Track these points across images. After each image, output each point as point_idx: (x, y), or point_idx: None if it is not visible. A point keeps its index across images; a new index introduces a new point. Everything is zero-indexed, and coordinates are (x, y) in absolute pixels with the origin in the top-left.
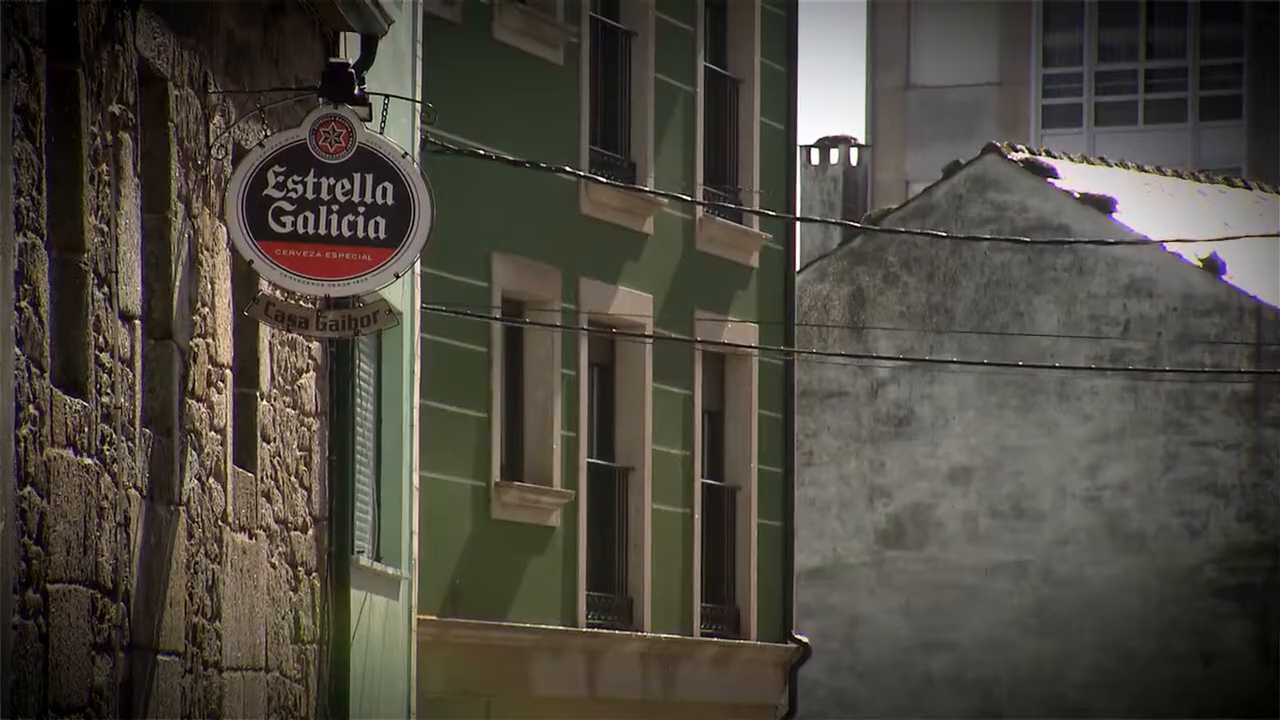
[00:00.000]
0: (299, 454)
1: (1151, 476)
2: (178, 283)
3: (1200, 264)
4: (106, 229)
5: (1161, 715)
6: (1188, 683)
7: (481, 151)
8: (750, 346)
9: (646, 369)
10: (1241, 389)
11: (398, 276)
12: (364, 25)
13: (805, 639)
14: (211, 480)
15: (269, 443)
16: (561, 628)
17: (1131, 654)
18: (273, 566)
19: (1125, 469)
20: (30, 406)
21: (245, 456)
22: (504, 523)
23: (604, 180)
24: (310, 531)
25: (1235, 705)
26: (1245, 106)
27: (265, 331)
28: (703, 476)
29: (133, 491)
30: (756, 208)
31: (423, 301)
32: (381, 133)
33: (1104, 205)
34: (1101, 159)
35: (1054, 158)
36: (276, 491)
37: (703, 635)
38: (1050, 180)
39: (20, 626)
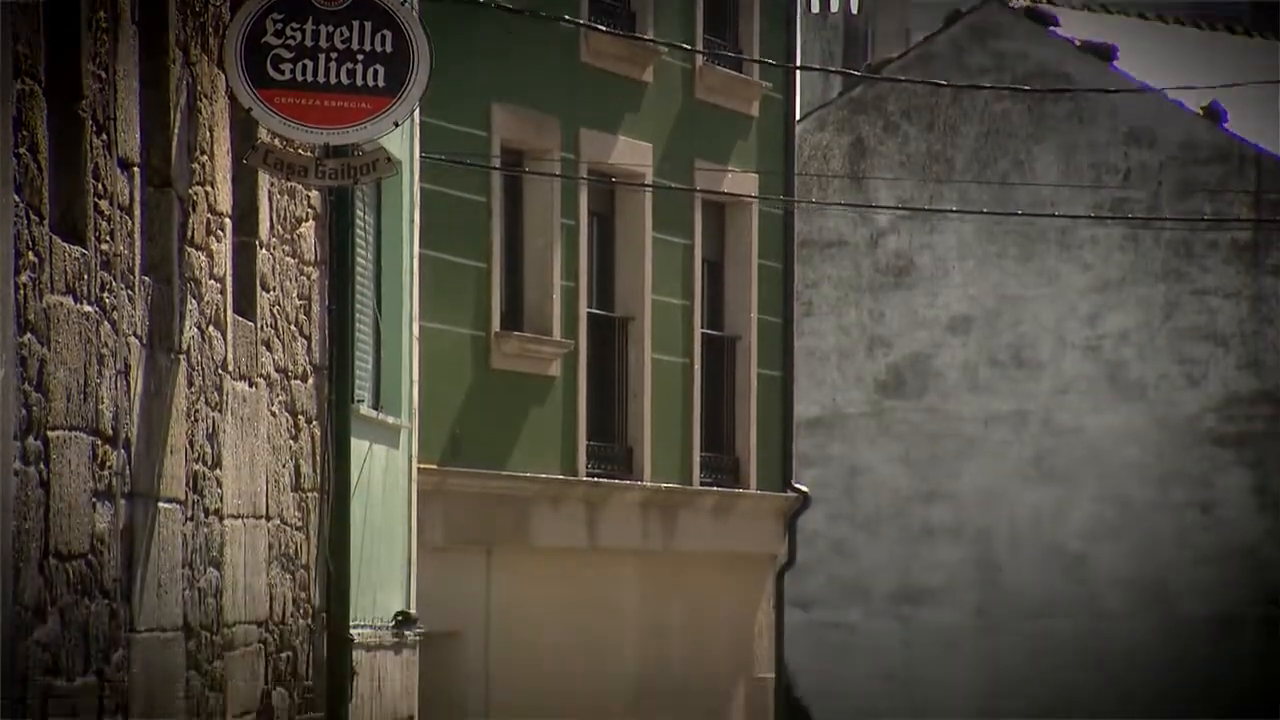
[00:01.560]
0: (299, 303)
1: (1151, 325)
2: (176, 130)
3: (1201, 112)
4: (105, 76)
5: (1160, 563)
6: (1186, 530)
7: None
8: (750, 196)
9: (646, 218)
10: (1241, 237)
11: (397, 124)
12: None
13: (804, 489)
14: (211, 329)
15: (269, 291)
16: (561, 477)
17: (1130, 503)
18: (273, 415)
19: (1125, 318)
20: (29, 253)
21: (245, 305)
22: (504, 372)
23: (604, 29)
24: (310, 380)
25: (1234, 553)
26: None
27: (264, 180)
28: (702, 326)
29: (132, 339)
30: (756, 56)
31: (422, 151)
32: None
33: (1104, 53)
34: (1103, 6)
35: (1054, 5)
36: (276, 340)
37: (702, 485)
38: (1051, 29)
39: (21, 473)
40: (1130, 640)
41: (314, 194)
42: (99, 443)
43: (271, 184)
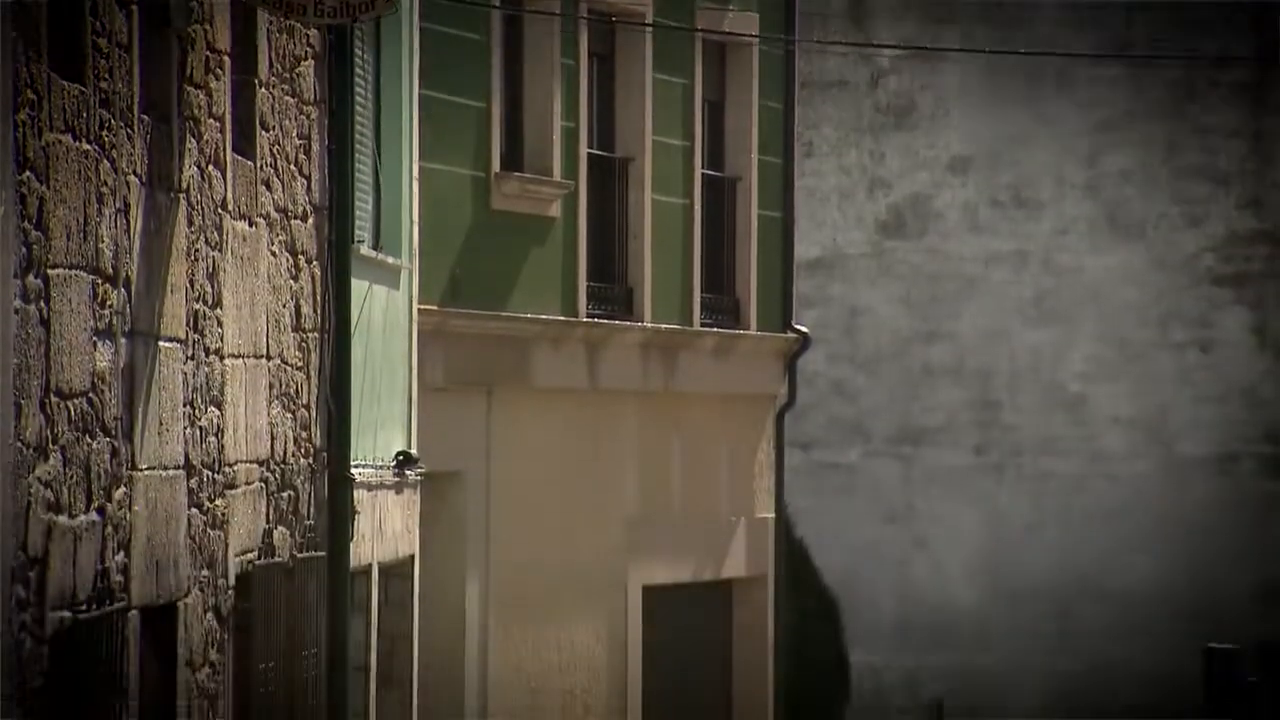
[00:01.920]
0: (298, 143)
1: (1152, 165)
2: None
3: None
4: None
5: (1159, 402)
6: (1186, 370)
7: None
8: (751, 36)
9: (646, 59)
10: (1243, 76)
11: None
12: None
13: (805, 329)
14: (211, 168)
15: (268, 131)
16: (561, 318)
17: (1130, 343)
18: (273, 255)
19: (1125, 158)
20: (28, 91)
21: (244, 144)
22: (504, 213)
23: None
24: (310, 220)
25: (1232, 393)
26: None
27: (263, 18)
28: (703, 167)
29: (132, 178)
30: None
31: None
32: None
33: None
34: None
35: None
36: (276, 180)
37: (702, 326)
38: None
39: (22, 311)
40: (1129, 479)
41: (313, 32)
42: (99, 281)
43: (270, 22)
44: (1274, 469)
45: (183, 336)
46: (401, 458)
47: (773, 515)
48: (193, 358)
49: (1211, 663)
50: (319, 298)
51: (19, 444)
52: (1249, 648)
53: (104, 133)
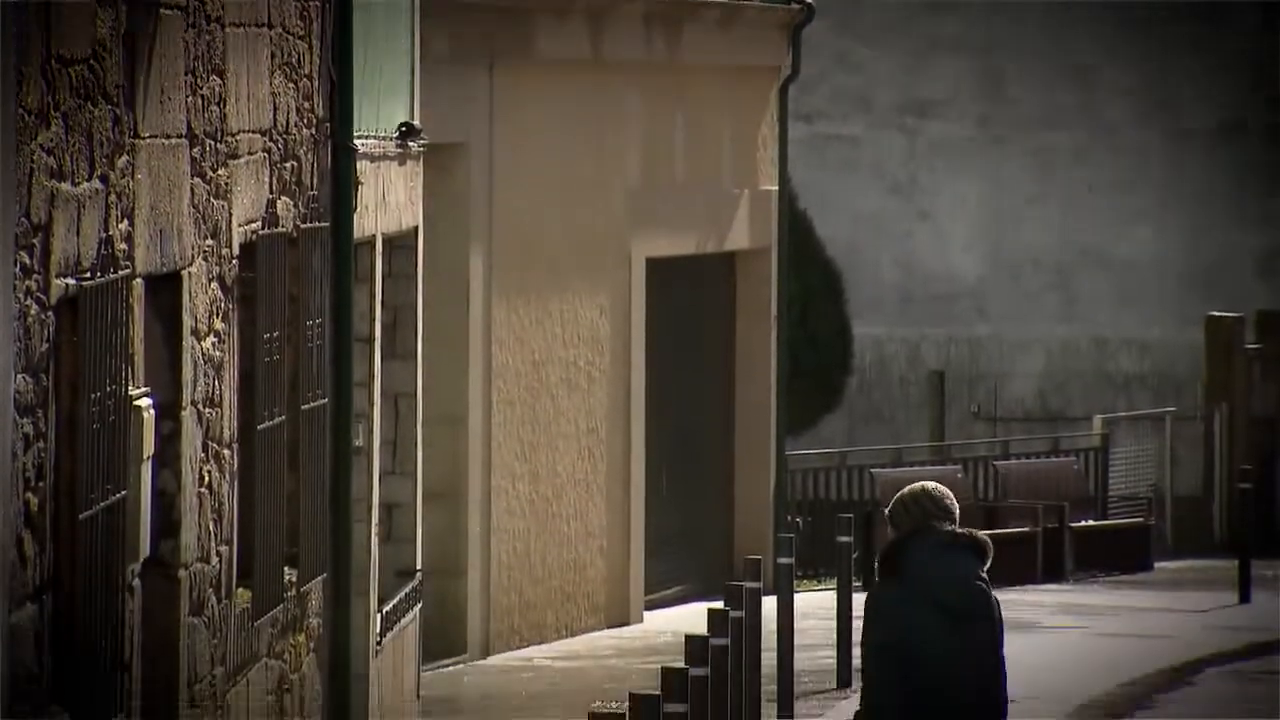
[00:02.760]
0: None
1: None
2: None
3: None
4: None
5: (1165, 71)
6: (1192, 39)
7: None
8: None
9: None
10: None
11: None
12: None
13: None
14: None
15: None
16: None
17: (1134, 11)
18: None
19: None
20: None
21: None
22: None
23: None
24: None
25: (1238, 63)
26: None
27: None
28: None
29: None
30: None
31: None
32: None
33: None
34: None
35: None
36: None
37: None
38: None
39: None
40: (1133, 150)
41: None
42: None
43: None
44: (1276, 138)
45: (183, 3)
46: (404, 129)
47: (776, 188)
48: (193, 25)
49: (1212, 330)
50: None
51: (21, 110)
52: (1250, 315)
53: None
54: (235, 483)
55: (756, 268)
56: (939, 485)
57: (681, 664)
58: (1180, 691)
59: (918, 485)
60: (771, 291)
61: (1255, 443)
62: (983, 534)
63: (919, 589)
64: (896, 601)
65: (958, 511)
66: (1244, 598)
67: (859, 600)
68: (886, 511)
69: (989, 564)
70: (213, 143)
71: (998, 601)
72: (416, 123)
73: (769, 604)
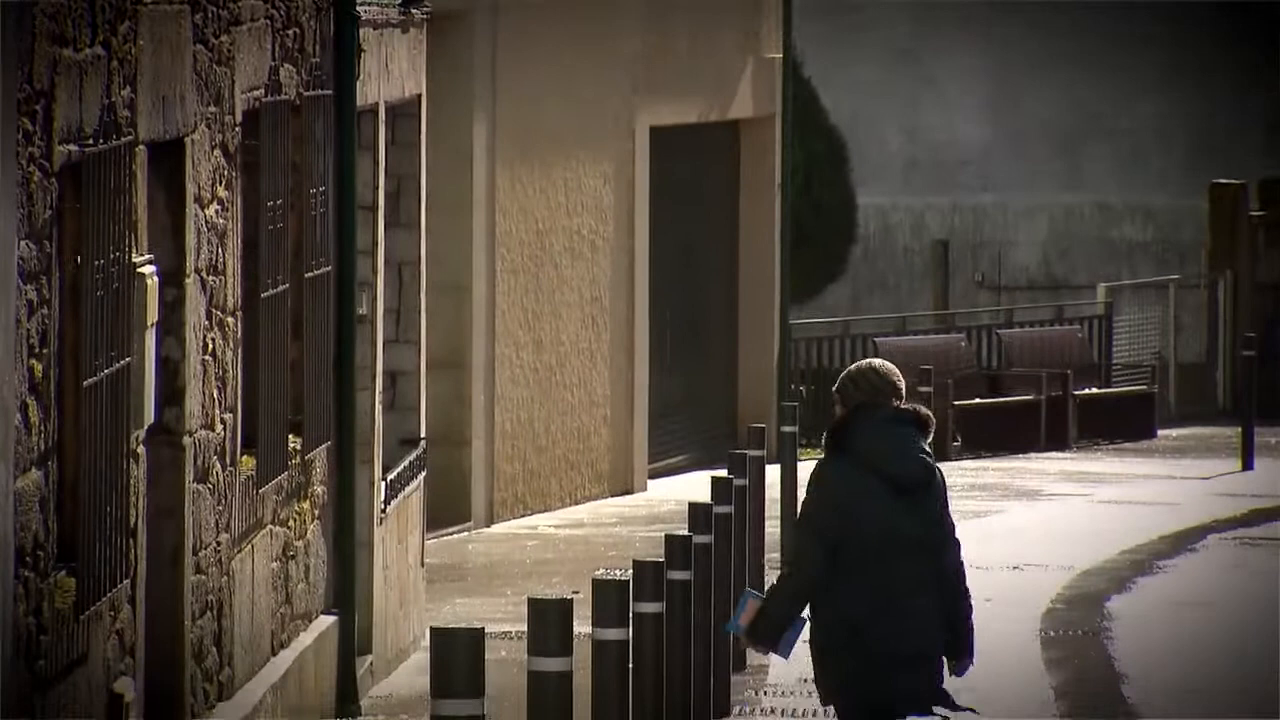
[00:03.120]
0: None
1: None
2: None
3: None
4: None
5: None
6: None
7: None
8: None
9: None
10: None
11: None
12: None
13: None
14: None
15: None
16: None
17: None
18: None
19: None
20: None
21: None
22: None
23: None
24: None
25: None
26: None
27: None
28: None
29: None
30: None
31: None
32: None
33: None
34: None
35: None
36: None
37: None
38: None
39: None
40: (1139, 17)
41: None
42: None
43: None
44: None
45: None
46: None
47: (780, 56)
48: None
49: (1216, 197)
50: None
51: None
52: (1254, 183)
53: None
54: (239, 350)
55: (760, 136)
56: (886, 362)
57: (685, 531)
58: (1183, 558)
59: (865, 362)
60: (775, 160)
61: (1258, 309)
62: (925, 409)
63: (866, 462)
64: (844, 473)
65: (904, 388)
66: (1247, 464)
67: None
68: (834, 389)
69: (930, 438)
70: (215, 8)
71: (943, 476)
72: None
73: (772, 472)
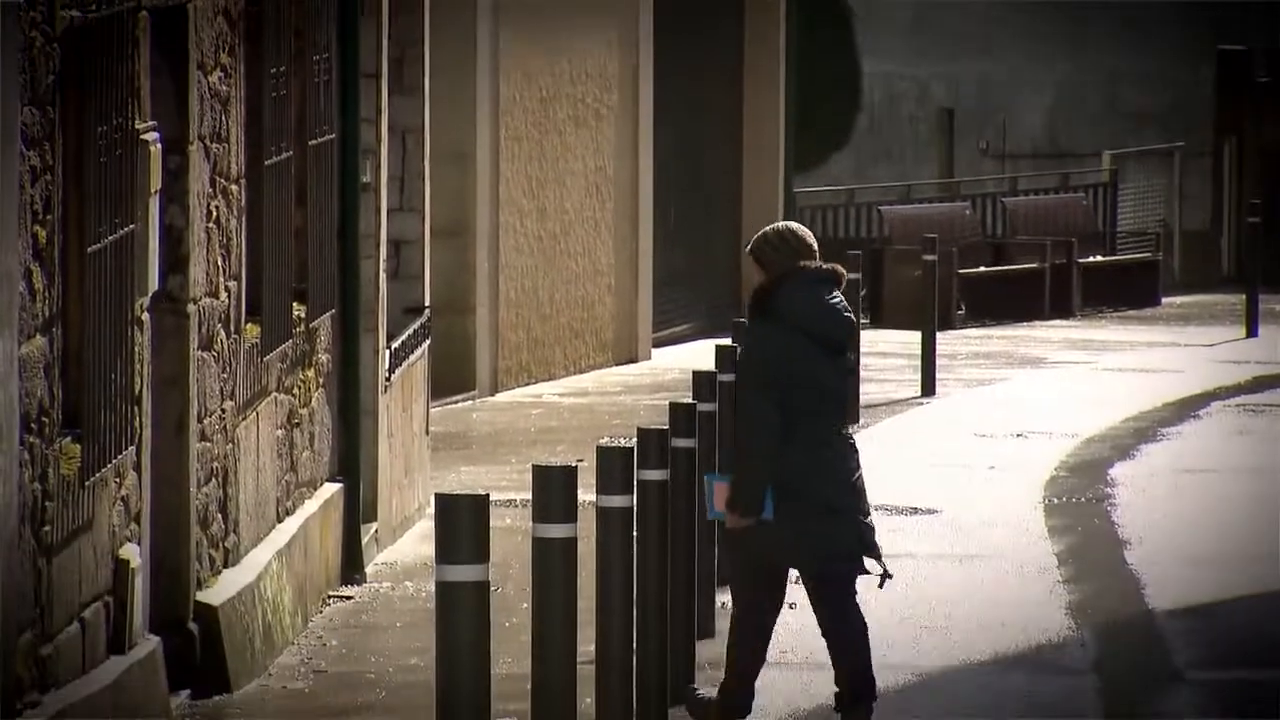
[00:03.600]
0: None
1: None
2: None
3: None
4: None
5: None
6: None
7: None
8: None
9: None
10: None
11: None
12: None
13: None
14: None
15: None
16: None
17: None
18: None
19: None
20: None
21: None
22: None
23: None
24: None
25: None
26: None
27: None
28: None
29: None
30: None
31: None
32: None
33: None
34: None
35: None
36: None
37: None
38: None
39: None
40: None
41: None
42: None
43: None
44: None
45: None
46: None
47: None
48: None
49: (1222, 64)
50: None
51: None
52: (1259, 50)
53: None
54: (243, 218)
55: (766, 5)
56: (799, 224)
57: (689, 399)
58: (1187, 425)
59: (781, 224)
60: (781, 29)
61: (1264, 177)
62: (839, 266)
63: (796, 324)
64: (776, 335)
65: (817, 248)
66: (1251, 332)
67: (866, 337)
68: (749, 250)
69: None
70: None
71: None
72: None
73: None
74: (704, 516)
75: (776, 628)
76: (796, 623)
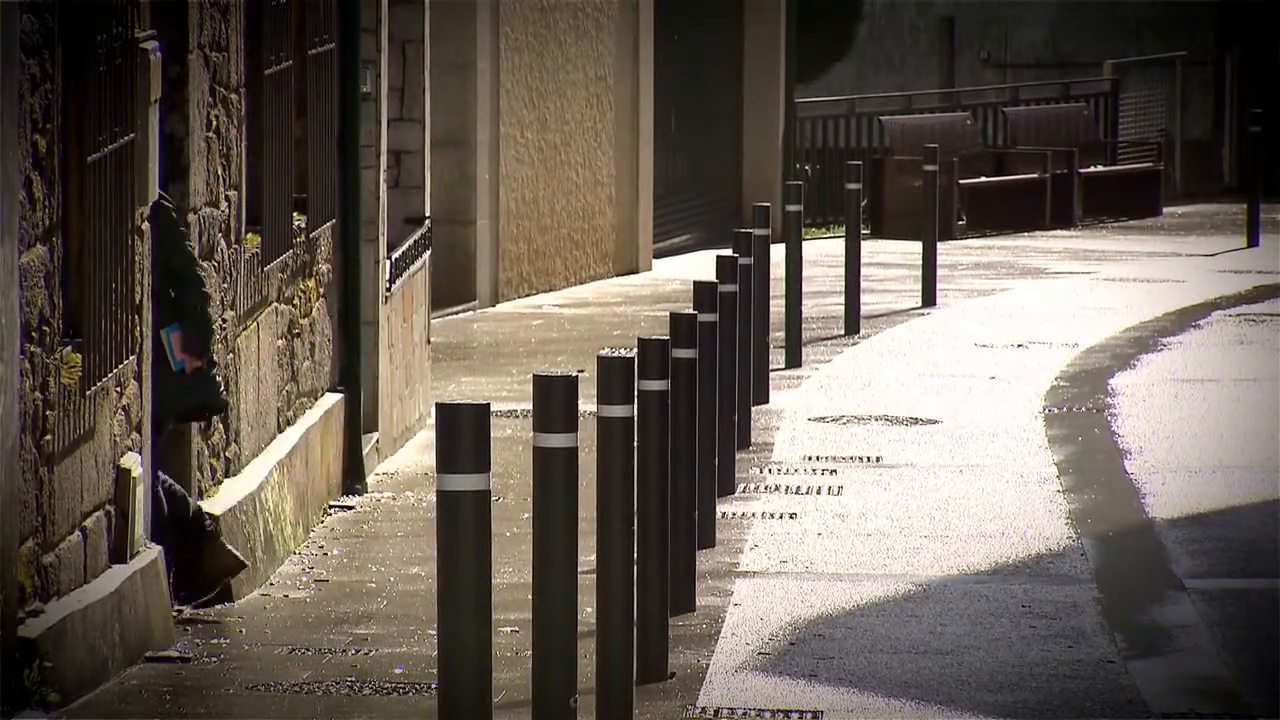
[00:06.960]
0: None
1: None
2: None
3: None
4: None
5: None
6: None
7: None
8: None
9: None
10: None
11: None
12: None
13: None
14: None
15: None
16: None
17: None
18: None
19: None
20: None
21: None
22: None
23: None
24: None
25: None
26: None
27: None
28: None
29: None
30: None
31: None
32: None
33: None
34: None
35: None
36: None
37: None
38: None
39: None
40: None
41: None
42: None
43: None
44: None
45: None
46: None
47: None
48: None
49: None
50: None
51: None
52: None
53: None
54: (243, 128)
55: None
56: None
57: (690, 310)
58: (1187, 334)
59: None
60: None
61: (1266, 86)
62: None
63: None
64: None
65: None
66: (1252, 241)
67: (867, 248)
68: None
69: None
70: None
71: None
72: None
73: (777, 251)
74: (709, 424)
75: (775, 537)
76: (797, 531)
